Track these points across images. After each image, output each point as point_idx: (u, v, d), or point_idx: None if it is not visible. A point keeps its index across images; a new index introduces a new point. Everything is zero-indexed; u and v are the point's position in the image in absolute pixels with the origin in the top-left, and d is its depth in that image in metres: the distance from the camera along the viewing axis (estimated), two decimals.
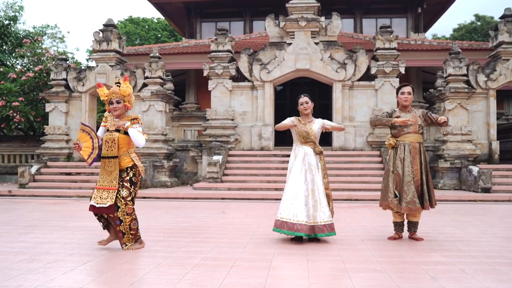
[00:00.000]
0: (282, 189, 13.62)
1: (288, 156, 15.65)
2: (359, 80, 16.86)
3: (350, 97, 16.82)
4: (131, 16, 44.25)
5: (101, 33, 16.69)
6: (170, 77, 18.38)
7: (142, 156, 15.83)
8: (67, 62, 17.35)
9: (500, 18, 15.76)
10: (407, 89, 6.28)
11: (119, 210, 5.30)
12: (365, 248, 5.76)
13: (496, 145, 15.30)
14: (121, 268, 4.60)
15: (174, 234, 6.76)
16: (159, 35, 43.65)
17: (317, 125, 6.24)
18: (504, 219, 8.86)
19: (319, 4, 16.96)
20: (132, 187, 5.43)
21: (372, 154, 15.93)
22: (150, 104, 16.07)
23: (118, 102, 5.43)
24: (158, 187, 15.03)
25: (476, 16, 50.51)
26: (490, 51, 17.20)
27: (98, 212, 5.37)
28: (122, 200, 5.31)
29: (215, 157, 14.86)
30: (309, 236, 5.82)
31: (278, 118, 14.77)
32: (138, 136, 5.32)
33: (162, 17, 45.57)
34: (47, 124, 16.88)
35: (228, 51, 17.05)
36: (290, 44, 16.89)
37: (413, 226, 6.21)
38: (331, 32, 17.17)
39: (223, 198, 12.84)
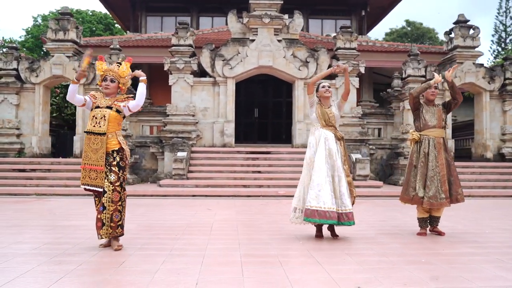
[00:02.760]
0: (250, 186, 13.73)
1: (252, 153, 15.79)
2: None
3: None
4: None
5: (57, 21, 15.79)
6: None
7: None
8: (18, 51, 16.25)
9: (454, 23, 16.49)
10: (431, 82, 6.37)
11: (105, 195, 4.95)
12: (389, 242, 5.80)
13: (451, 144, 16.01)
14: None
15: (186, 231, 6.50)
16: (94, 28, 42.00)
17: (336, 108, 6.19)
18: (477, 212, 9.25)
19: (282, 2, 16.98)
20: (121, 171, 5.12)
21: None
22: None
23: (112, 81, 5.17)
24: None
25: (407, 21, 52.91)
26: (441, 54, 17.96)
27: (94, 193, 5.10)
28: (110, 185, 4.98)
29: (180, 154, 14.49)
30: (337, 224, 5.72)
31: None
32: (142, 97, 5.14)
33: (97, 10, 44.05)
34: None
35: (190, 45, 16.69)
36: (253, 40, 16.79)
37: (435, 220, 6.31)
38: (293, 30, 17.26)
39: (193, 195, 12.55)
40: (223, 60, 16.68)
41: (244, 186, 13.78)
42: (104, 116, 5.02)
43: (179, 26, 16.90)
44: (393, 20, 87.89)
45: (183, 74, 16.54)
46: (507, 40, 39.14)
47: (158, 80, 22.54)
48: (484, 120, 16.44)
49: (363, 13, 30.05)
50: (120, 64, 5.29)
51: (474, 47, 16.33)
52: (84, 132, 5.15)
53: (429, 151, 6.09)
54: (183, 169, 14.04)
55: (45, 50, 29.07)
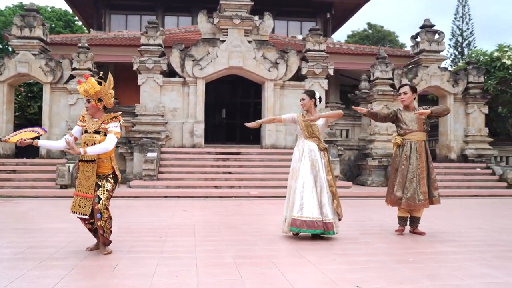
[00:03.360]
0: (221, 186, 13.73)
1: (222, 153, 15.77)
2: (290, 80, 17.20)
3: (281, 96, 17.11)
4: (21, 3, 40.83)
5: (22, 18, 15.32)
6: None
7: (68, 153, 14.81)
8: None
9: (421, 28, 16.95)
10: (403, 89, 6.57)
11: (100, 202, 4.87)
12: (373, 242, 5.93)
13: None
14: None
15: (170, 233, 6.46)
16: (53, 25, 40.92)
17: (320, 120, 6.26)
18: (448, 212, 9.56)
19: (252, 3, 17.03)
20: (115, 185, 5.11)
21: None
22: (79, 98, 15.06)
23: (88, 101, 5.01)
24: None
25: (369, 24, 53.85)
26: (407, 57, 18.41)
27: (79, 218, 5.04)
28: (105, 193, 4.91)
29: (151, 154, 14.33)
30: (322, 233, 5.81)
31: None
32: (98, 149, 4.80)
33: (57, 6, 42.91)
34: None
35: (159, 45, 16.53)
36: (223, 41, 16.77)
37: (415, 221, 6.49)
38: (263, 31, 17.33)
39: (165, 197, 12.43)
40: (193, 61, 16.59)
41: (216, 187, 13.76)
42: (94, 143, 4.91)
43: (148, 25, 16.70)
44: (355, 23, 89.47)
45: (153, 74, 16.36)
46: (464, 45, 40.33)
47: (125, 80, 22.15)
48: (448, 122, 16.96)
49: (328, 16, 30.46)
50: (102, 79, 5.12)
51: (439, 51, 16.83)
52: (78, 160, 5.05)
53: (411, 154, 6.26)
54: (154, 170, 13.91)
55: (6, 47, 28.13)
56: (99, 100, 5.03)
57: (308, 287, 3.81)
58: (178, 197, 12.42)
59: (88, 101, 5.01)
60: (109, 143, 4.83)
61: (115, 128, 4.94)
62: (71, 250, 5.15)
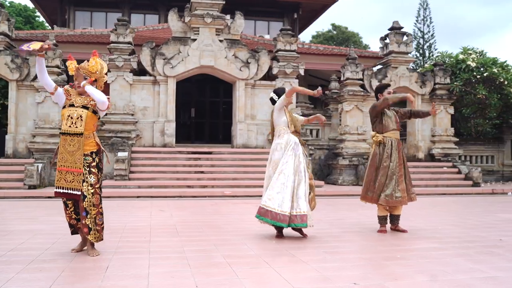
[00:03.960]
0: (194, 186, 13.64)
1: (194, 153, 15.67)
2: (261, 79, 17.24)
3: (252, 95, 17.13)
4: None
5: None
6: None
7: (37, 152, 14.44)
8: None
9: (389, 29, 17.27)
10: (390, 89, 6.67)
11: (86, 200, 4.73)
12: (357, 239, 6.02)
13: None
14: None
15: (153, 233, 6.38)
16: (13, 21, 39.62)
17: (300, 117, 6.41)
18: (420, 210, 9.79)
19: (224, 2, 16.98)
20: (99, 173, 4.94)
21: None
22: (47, 96, 14.65)
23: (85, 78, 4.92)
24: None
25: (333, 25, 54.49)
26: (375, 58, 18.72)
27: (67, 197, 4.83)
28: (90, 188, 4.77)
29: (121, 154, 14.10)
30: (287, 226, 5.79)
31: None
32: (98, 94, 4.78)
33: (16, 1, 41.55)
34: None
35: (129, 43, 16.28)
36: (194, 40, 16.66)
37: (396, 219, 6.61)
38: (234, 31, 17.32)
39: (138, 196, 12.26)
40: (164, 59, 16.41)
41: (189, 186, 13.67)
42: (81, 116, 4.79)
43: (118, 23, 16.42)
44: (319, 24, 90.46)
45: (122, 72, 16.10)
46: (425, 47, 41.26)
47: None
48: (416, 123, 17.34)
49: (296, 16, 30.69)
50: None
51: (407, 53, 17.21)
52: (60, 133, 4.90)
53: (392, 152, 6.38)
54: (125, 170, 13.70)
55: None
56: (95, 80, 4.98)
57: (306, 285, 3.83)
58: (152, 197, 12.28)
59: (85, 78, 4.91)
60: (105, 97, 4.79)
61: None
62: (56, 252, 5.02)
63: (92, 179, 4.78)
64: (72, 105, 4.87)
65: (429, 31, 40.46)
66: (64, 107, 4.90)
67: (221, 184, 13.94)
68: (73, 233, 5.11)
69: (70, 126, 4.78)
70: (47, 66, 14.87)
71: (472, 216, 8.84)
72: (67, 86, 5.05)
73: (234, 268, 4.32)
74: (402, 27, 17.27)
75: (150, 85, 16.48)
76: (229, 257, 4.83)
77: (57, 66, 15.02)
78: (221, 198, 12.30)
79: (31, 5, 34.25)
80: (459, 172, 15.92)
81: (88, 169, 4.79)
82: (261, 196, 12.29)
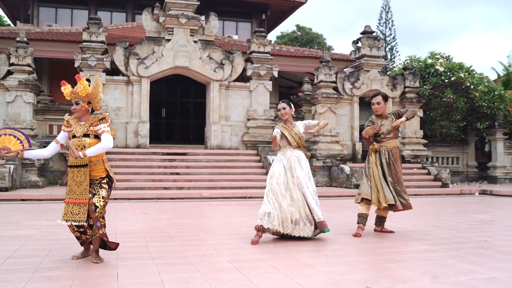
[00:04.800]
0: (170, 188, 13.57)
1: (168, 154, 15.58)
2: (235, 80, 17.29)
3: (226, 97, 17.15)
4: None
5: None
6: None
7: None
8: None
9: (361, 33, 17.63)
10: (376, 99, 6.77)
11: (97, 210, 4.71)
12: (352, 242, 6.16)
13: (359, 146, 17.12)
14: None
15: (148, 237, 6.35)
16: None
17: (301, 129, 6.40)
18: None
19: (198, 3, 16.94)
20: (109, 190, 4.95)
21: (249, 153, 16.48)
22: (17, 95, 14.28)
23: (77, 103, 4.80)
24: (28, 187, 13.49)
25: (297, 26, 54.96)
26: (346, 61, 19.05)
27: (71, 227, 4.84)
28: (101, 200, 4.76)
29: None
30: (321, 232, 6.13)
31: None
32: (100, 148, 4.70)
33: None
34: None
35: (102, 42, 16.03)
36: (169, 40, 16.55)
37: (383, 221, 6.79)
38: (208, 31, 17.30)
39: (115, 198, 12.01)
40: (137, 59, 16.24)
41: (165, 188, 13.60)
42: (84, 147, 4.72)
43: (90, 21, 16.15)
44: (284, 24, 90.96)
45: (95, 72, 15.79)
46: (387, 49, 42.17)
47: (61, 76, 21.10)
48: None
49: (264, 17, 30.84)
50: (89, 81, 4.97)
51: (379, 57, 17.61)
52: (67, 166, 4.84)
53: (389, 160, 6.55)
54: None
55: None
56: (89, 102, 4.88)
57: None
58: (129, 199, 12.14)
59: (77, 103, 4.82)
60: (108, 141, 4.69)
61: (107, 128, 4.80)
62: (56, 260, 4.93)
63: (103, 192, 4.79)
64: (74, 136, 4.80)
65: (391, 34, 41.32)
66: (69, 138, 4.83)
67: (197, 185, 13.93)
68: (82, 244, 5.05)
69: (76, 158, 4.72)
70: (17, 64, 14.51)
71: (450, 216, 9.16)
72: (67, 116, 4.97)
73: (245, 273, 4.37)
74: (374, 31, 17.68)
75: (123, 85, 16.28)
76: (234, 261, 4.87)
77: (28, 65, 14.63)
78: (199, 200, 12.29)
79: None
80: (429, 173, 16.41)
81: (99, 184, 4.79)
82: (239, 198, 12.44)
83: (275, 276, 4.33)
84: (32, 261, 4.83)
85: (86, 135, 4.79)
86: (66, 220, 4.76)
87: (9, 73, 14.60)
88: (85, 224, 4.74)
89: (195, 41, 16.78)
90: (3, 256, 5.05)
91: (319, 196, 6.52)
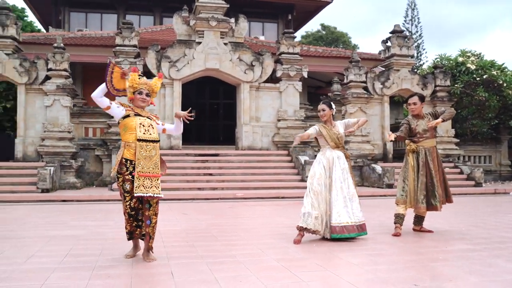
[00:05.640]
0: (203, 188, 13.79)
1: (201, 155, 15.81)
2: (265, 82, 17.45)
3: (256, 98, 17.32)
4: None
5: None
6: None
7: (46, 155, 14.48)
8: None
9: (391, 33, 17.60)
10: (412, 100, 6.85)
11: (151, 208, 4.90)
12: (392, 241, 6.24)
13: (390, 146, 17.10)
14: None
15: (191, 237, 6.54)
16: None
17: (341, 128, 6.48)
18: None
19: (228, 5, 17.16)
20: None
21: (281, 154, 16.63)
22: (55, 99, 14.74)
23: (147, 95, 5.04)
24: (66, 188, 13.90)
25: (322, 25, 54.76)
26: (375, 61, 19.03)
27: (148, 198, 4.88)
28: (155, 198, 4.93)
29: None
30: (359, 235, 6.17)
31: None
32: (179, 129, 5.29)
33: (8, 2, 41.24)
34: None
35: (134, 46, 16.38)
36: (199, 43, 16.81)
37: (421, 220, 6.86)
38: (238, 33, 17.50)
39: None
40: (169, 62, 16.54)
41: (199, 188, 13.84)
42: (151, 125, 4.97)
43: (123, 25, 16.55)
44: (308, 24, 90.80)
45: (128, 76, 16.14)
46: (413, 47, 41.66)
47: (93, 80, 21.63)
48: None
49: (290, 17, 30.94)
50: (141, 75, 5.19)
51: (409, 56, 17.55)
52: (137, 140, 4.88)
53: (425, 160, 6.61)
54: None
55: None
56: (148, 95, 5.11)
57: (370, 287, 4.04)
58: (165, 199, 12.34)
59: (147, 95, 5.05)
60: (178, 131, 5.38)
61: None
62: (110, 258, 5.15)
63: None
64: (138, 115, 4.99)
65: (417, 31, 40.94)
66: (125, 116, 5.00)
67: (230, 186, 14.12)
68: (129, 239, 5.24)
69: (144, 133, 4.89)
70: (55, 70, 14.96)
71: (487, 216, 9.14)
72: (119, 101, 5.14)
73: (294, 272, 4.51)
74: (403, 31, 17.65)
75: None
76: (281, 260, 5.01)
77: (65, 70, 15.09)
78: (234, 200, 12.47)
79: (19, 5, 34.04)
80: (461, 173, 16.29)
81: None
82: (272, 198, 12.58)
83: (323, 274, 4.46)
84: (88, 260, 5.05)
85: (149, 118, 5.06)
86: (141, 192, 4.81)
87: (47, 78, 15.04)
88: (161, 195, 4.89)
89: (225, 43, 17.01)
90: (60, 255, 5.30)
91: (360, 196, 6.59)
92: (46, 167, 13.11)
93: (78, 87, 21.67)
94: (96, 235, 6.70)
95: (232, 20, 17.22)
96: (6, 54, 14.73)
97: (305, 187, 6.40)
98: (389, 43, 17.61)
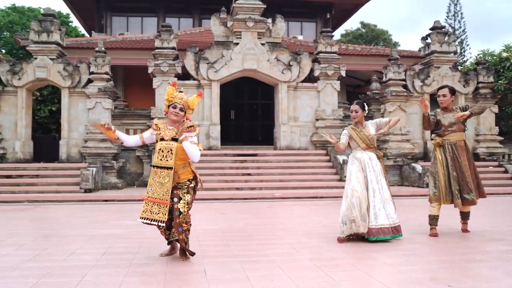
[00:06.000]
0: (242, 188, 13.87)
1: (239, 155, 15.92)
2: (302, 81, 17.41)
3: (294, 98, 17.30)
4: (14, 5, 40.24)
5: (39, 22, 15.34)
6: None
7: (89, 157, 14.92)
8: None
9: (431, 29, 17.23)
10: (442, 91, 6.73)
11: (181, 216, 4.96)
12: (428, 241, 6.15)
13: (430, 144, 16.72)
14: None
15: (228, 237, 6.62)
16: None
17: (372, 129, 6.41)
18: (477, 210, 9.79)
19: (265, 6, 17.22)
20: (194, 194, 5.19)
21: (319, 153, 16.56)
22: (97, 102, 15.18)
23: (181, 110, 5.07)
24: (108, 189, 14.27)
25: (362, 23, 54.09)
26: (415, 58, 18.67)
27: (150, 225, 5.10)
28: (186, 206, 4.99)
29: None
30: (394, 237, 6.08)
31: None
32: (192, 149, 4.92)
33: (51, 7, 42.44)
34: None
35: (173, 48, 16.66)
36: (237, 44, 16.93)
37: (466, 215, 6.71)
38: (275, 34, 17.53)
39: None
40: (207, 63, 16.73)
41: (237, 188, 13.94)
42: (171, 150, 4.99)
43: (162, 28, 16.83)
44: (348, 22, 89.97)
45: (167, 77, 16.47)
46: (456, 43, 40.65)
47: (134, 82, 22.32)
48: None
49: (328, 16, 30.72)
50: (182, 91, 5.27)
51: (450, 52, 17.14)
52: (151, 166, 5.14)
53: (453, 155, 6.47)
54: None
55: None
56: (183, 111, 5.14)
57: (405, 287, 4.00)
58: (203, 199, 12.49)
59: (181, 110, 5.08)
60: (198, 153, 4.97)
61: (195, 140, 5.04)
62: (146, 256, 5.29)
63: (188, 197, 5.02)
64: (162, 139, 5.08)
65: (460, 27, 39.88)
66: (156, 141, 5.14)
67: (268, 186, 14.16)
68: (169, 243, 5.36)
69: (161, 160, 5.01)
70: (96, 73, 15.38)
71: None
72: (156, 120, 5.30)
73: (326, 271, 4.51)
74: (444, 26, 17.23)
75: (194, 89, 16.79)
76: (314, 260, 5.02)
77: (106, 73, 15.50)
78: (272, 200, 12.50)
79: (64, 11, 35.04)
80: (506, 172, 15.79)
81: (186, 189, 5.04)
82: (310, 198, 12.54)
83: (356, 274, 4.45)
84: (125, 257, 5.21)
85: (174, 139, 5.07)
86: (144, 218, 5.02)
87: (89, 81, 15.50)
88: (163, 224, 5.00)
89: (262, 44, 17.06)
90: (99, 253, 5.48)
91: (392, 196, 6.48)
92: (89, 168, 13.51)
93: (119, 90, 22.21)
94: (135, 234, 6.87)
95: (269, 20, 17.24)
96: (50, 59, 15.25)
97: (343, 187, 6.38)
98: (429, 40, 17.24)
